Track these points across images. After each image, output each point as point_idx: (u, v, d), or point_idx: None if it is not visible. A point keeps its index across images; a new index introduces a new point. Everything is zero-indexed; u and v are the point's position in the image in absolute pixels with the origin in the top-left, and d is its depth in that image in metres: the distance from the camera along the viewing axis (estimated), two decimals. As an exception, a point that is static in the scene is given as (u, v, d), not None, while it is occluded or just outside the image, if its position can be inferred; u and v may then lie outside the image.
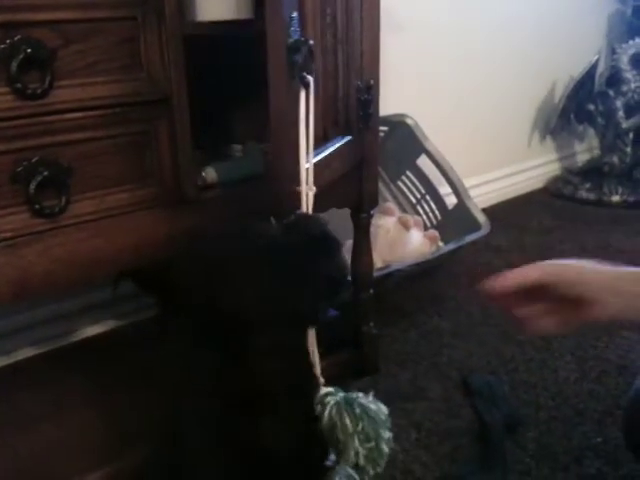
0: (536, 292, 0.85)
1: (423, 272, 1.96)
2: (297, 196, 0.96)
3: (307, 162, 0.95)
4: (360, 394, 0.90)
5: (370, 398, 0.91)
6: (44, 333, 1.51)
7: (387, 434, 0.89)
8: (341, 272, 0.88)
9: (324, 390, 0.89)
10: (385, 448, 0.88)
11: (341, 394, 0.89)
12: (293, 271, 0.81)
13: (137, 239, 1.07)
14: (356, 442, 0.85)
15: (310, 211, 0.95)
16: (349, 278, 0.96)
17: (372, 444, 0.86)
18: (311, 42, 0.93)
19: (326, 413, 0.86)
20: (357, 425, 0.86)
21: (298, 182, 0.95)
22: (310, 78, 0.92)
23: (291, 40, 0.90)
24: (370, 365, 1.53)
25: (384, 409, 0.91)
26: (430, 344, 1.66)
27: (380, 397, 1.43)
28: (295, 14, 0.91)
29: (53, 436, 1.17)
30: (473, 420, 1.36)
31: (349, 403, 0.87)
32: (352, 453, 0.85)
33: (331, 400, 0.87)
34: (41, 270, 0.98)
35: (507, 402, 1.39)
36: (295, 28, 0.91)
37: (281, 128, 0.92)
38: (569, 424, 1.34)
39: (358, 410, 0.87)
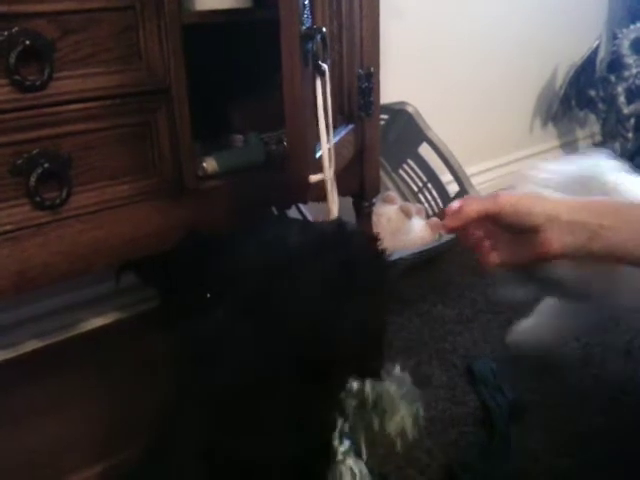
0: (493, 223, 0.85)
1: (426, 260, 1.95)
2: (313, 184, 0.96)
3: (325, 150, 0.95)
4: None
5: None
6: (46, 326, 1.51)
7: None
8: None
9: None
10: (421, 411, 0.89)
11: None
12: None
13: (138, 230, 1.07)
14: (403, 406, 0.86)
15: (335, 197, 0.95)
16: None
17: (417, 405, 0.87)
18: (324, 29, 0.93)
19: (368, 387, 0.86)
20: (401, 390, 0.86)
21: (314, 170, 0.95)
22: (325, 66, 0.92)
23: (304, 28, 0.89)
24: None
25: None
26: (434, 332, 1.66)
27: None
28: (307, 1, 0.91)
29: (55, 430, 1.17)
30: (478, 407, 1.36)
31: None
32: (398, 418, 0.86)
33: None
34: (42, 262, 0.98)
35: (512, 388, 1.39)
36: (307, 15, 0.91)
37: (296, 117, 0.92)
38: (574, 410, 1.34)
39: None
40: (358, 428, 0.85)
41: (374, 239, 0.89)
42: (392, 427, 0.85)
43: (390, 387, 0.86)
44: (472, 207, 0.84)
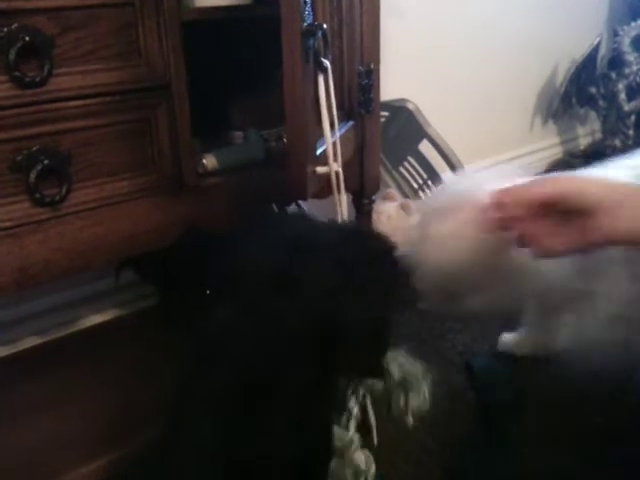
0: (543, 209, 0.81)
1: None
2: (316, 178, 0.96)
3: (329, 144, 0.95)
4: None
5: None
6: (46, 323, 1.51)
7: None
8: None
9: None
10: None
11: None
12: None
13: (137, 227, 1.07)
14: (425, 383, 0.96)
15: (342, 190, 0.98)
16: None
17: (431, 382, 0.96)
18: (325, 26, 0.93)
19: (395, 367, 0.92)
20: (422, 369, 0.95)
21: (315, 167, 0.95)
22: (327, 62, 0.92)
23: (305, 24, 0.89)
24: (373, 351, 1.53)
25: None
26: (433, 329, 1.66)
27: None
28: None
29: (53, 427, 1.16)
30: (477, 405, 1.36)
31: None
32: (421, 395, 0.94)
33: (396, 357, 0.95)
34: (42, 259, 0.98)
35: (510, 385, 1.39)
36: (309, 12, 0.90)
37: (296, 114, 0.92)
38: (573, 407, 1.33)
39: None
40: (369, 411, 0.88)
41: (383, 236, 0.89)
42: (415, 402, 0.89)
43: (413, 366, 0.88)
44: (522, 196, 0.82)
